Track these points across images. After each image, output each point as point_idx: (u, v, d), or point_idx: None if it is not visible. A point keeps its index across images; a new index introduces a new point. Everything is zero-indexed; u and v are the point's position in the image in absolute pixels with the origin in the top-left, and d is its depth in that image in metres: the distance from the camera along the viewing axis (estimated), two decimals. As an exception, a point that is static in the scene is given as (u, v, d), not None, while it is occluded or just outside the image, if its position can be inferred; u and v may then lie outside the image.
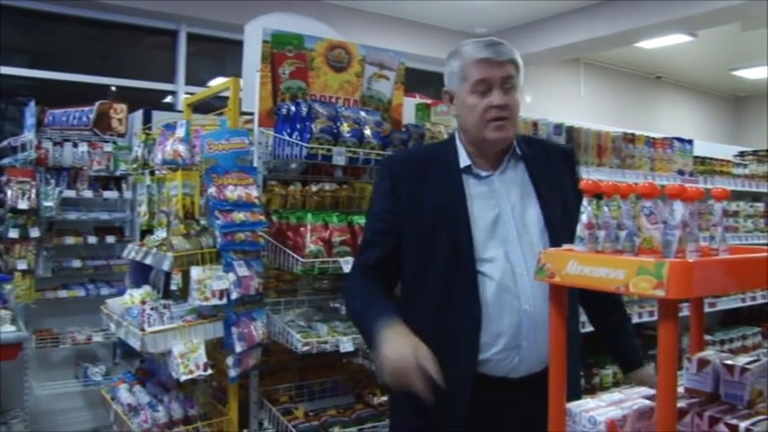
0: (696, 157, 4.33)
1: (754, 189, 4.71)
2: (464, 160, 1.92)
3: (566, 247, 1.25)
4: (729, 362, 1.33)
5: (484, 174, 1.92)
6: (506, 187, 1.91)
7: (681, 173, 4.12)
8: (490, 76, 1.84)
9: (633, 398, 1.31)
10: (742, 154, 5.12)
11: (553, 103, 9.15)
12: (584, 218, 1.19)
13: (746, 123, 12.66)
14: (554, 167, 1.98)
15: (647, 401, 1.26)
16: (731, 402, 1.31)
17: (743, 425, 1.20)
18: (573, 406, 1.22)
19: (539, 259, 1.22)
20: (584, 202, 1.20)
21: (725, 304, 4.48)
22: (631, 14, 7.22)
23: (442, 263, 1.85)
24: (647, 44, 8.59)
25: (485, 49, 1.85)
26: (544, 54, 8.21)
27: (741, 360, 1.34)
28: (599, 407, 1.23)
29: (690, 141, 4.27)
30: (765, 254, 1.22)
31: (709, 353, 1.41)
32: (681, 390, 1.39)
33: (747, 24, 7.95)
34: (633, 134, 3.88)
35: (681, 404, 1.30)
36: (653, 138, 4.02)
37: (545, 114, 3.75)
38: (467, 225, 1.84)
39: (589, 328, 3.16)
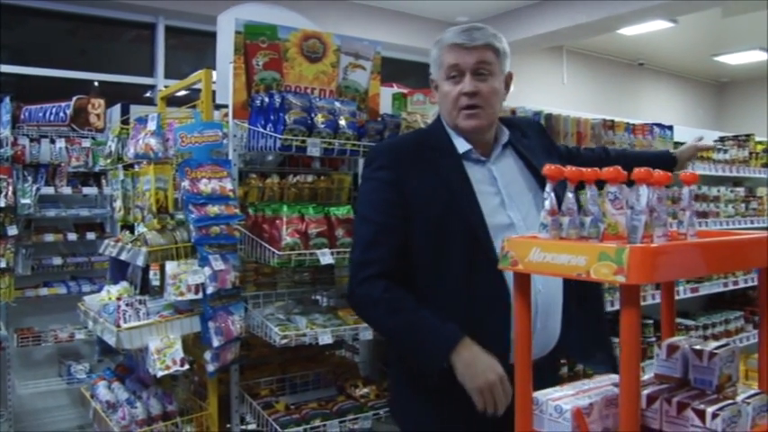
0: (677, 142, 4.33)
1: (734, 174, 4.73)
2: (463, 145, 1.91)
3: (530, 234, 1.24)
4: (698, 347, 1.32)
5: (483, 159, 1.92)
6: (503, 173, 1.92)
7: (661, 159, 4.12)
8: (462, 62, 1.83)
9: (602, 385, 1.30)
10: (722, 139, 5.13)
11: (536, 91, 9.16)
12: (546, 204, 1.18)
13: (729, 109, 12.74)
14: (538, 143, 2.02)
15: (615, 389, 1.25)
16: (700, 387, 1.30)
17: (710, 409, 1.20)
18: (540, 395, 1.21)
19: (502, 247, 1.21)
20: (547, 188, 1.19)
21: (707, 289, 4.50)
22: (612, 1, 7.23)
23: (459, 250, 1.80)
24: (629, 31, 8.61)
25: (459, 34, 1.84)
26: (526, 42, 8.21)
27: (710, 345, 1.33)
28: (566, 395, 1.22)
29: (670, 127, 4.27)
30: (729, 237, 1.21)
31: (678, 338, 1.40)
32: (651, 376, 1.39)
33: (728, 10, 7.97)
34: (613, 121, 3.87)
35: (650, 390, 1.30)
36: (633, 124, 4.02)
37: (529, 102, 3.73)
38: (478, 210, 1.82)
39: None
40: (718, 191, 4.65)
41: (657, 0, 6.93)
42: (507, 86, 1.95)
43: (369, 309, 1.87)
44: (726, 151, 4.75)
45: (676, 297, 4.20)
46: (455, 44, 1.84)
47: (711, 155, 4.59)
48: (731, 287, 4.69)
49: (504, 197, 1.87)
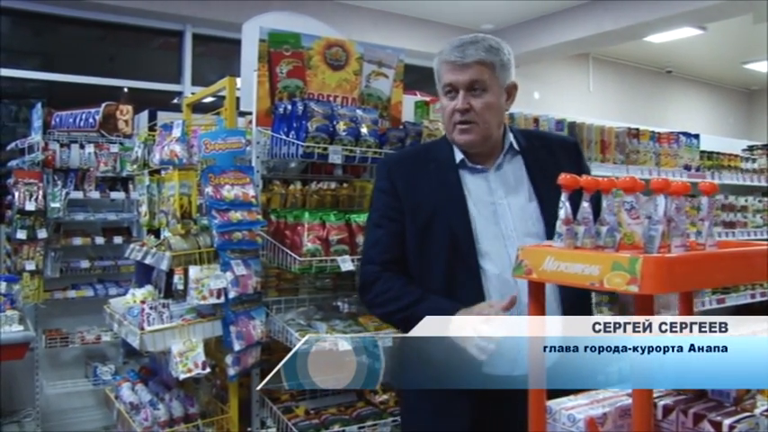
0: (703, 151, 4.29)
1: (763, 184, 4.66)
2: (459, 155, 1.92)
3: (545, 243, 1.25)
4: (716, 358, 1.31)
5: (479, 168, 1.91)
6: (502, 182, 1.91)
7: (687, 168, 4.08)
8: (454, 80, 1.83)
9: (617, 395, 1.30)
10: (751, 148, 5.06)
11: (562, 98, 9.10)
12: (561, 213, 1.18)
13: (759, 117, 12.51)
14: (556, 160, 1.92)
15: (629, 399, 1.25)
16: (718, 399, 1.29)
17: (727, 422, 1.19)
18: (553, 404, 1.21)
19: (517, 256, 1.22)
20: (562, 197, 1.19)
21: (734, 300, 4.44)
22: (639, 8, 7.16)
23: (442, 258, 1.84)
24: (656, 38, 8.52)
25: (453, 50, 1.83)
26: (552, 50, 8.15)
27: (728, 356, 1.32)
28: (579, 404, 1.22)
29: (696, 136, 4.23)
30: (745, 248, 1.20)
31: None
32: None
33: (758, 16, 7.85)
34: (638, 129, 3.85)
35: (667, 401, 1.30)
36: (658, 133, 3.98)
37: (555, 110, 3.73)
38: (466, 219, 1.84)
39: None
40: (746, 200, 4.60)
41: (685, 7, 6.84)
42: (511, 97, 1.92)
43: (377, 300, 1.93)
44: (754, 160, 4.68)
45: (702, 308, 4.19)
46: (448, 61, 1.84)
47: (739, 164, 4.53)
48: (759, 298, 4.62)
49: (498, 207, 1.87)
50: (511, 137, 1.95)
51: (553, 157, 1.94)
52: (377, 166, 2.11)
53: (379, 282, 1.91)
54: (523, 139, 1.97)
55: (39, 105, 4.57)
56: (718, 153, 4.42)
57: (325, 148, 2.50)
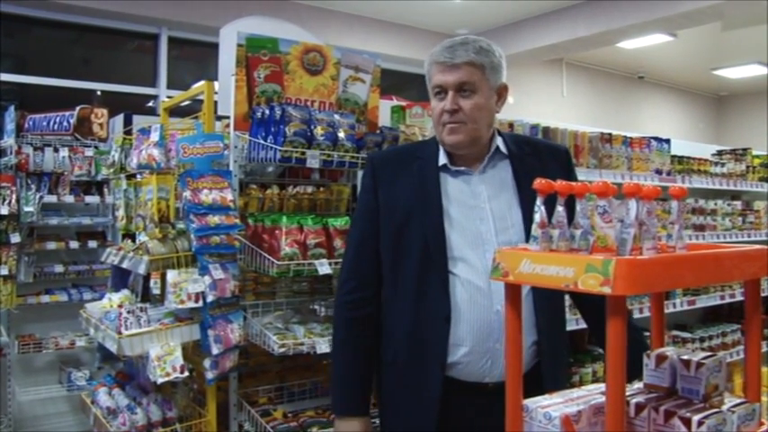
0: (674, 156, 4.37)
1: (731, 188, 4.77)
2: (442, 158, 1.93)
3: (521, 246, 1.28)
4: (686, 357, 1.35)
5: (463, 172, 1.92)
6: (486, 186, 1.91)
7: (658, 172, 4.16)
8: (443, 81, 1.85)
9: (591, 394, 1.33)
10: (720, 153, 5.18)
11: (535, 103, 9.21)
12: (537, 217, 1.21)
13: (728, 122, 12.80)
14: (544, 166, 1.91)
15: (603, 397, 1.28)
16: (687, 397, 1.33)
17: (695, 418, 1.23)
18: (529, 402, 1.24)
19: (494, 258, 1.25)
20: (537, 201, 1.22)
21: (704, 302, 4.53)
22: (611, 15, 7.29)
23: (414, 260, 1.86)
24: (629, 44, 8.67)
25: (443, 51, 1.84)
26: (526, 55, 8.26)
27: (697, 355, 1.36)
28: (555, 403, 1.25)
29: (667, 141, 4.31)
30: (714, 250, 1.25)
31: (667, 349, 1.44)
32: (641, 385, 1.42)
33: (728, 24, 8.03)
34: (610, 134, 3.91)
35: (639, 399, 1.33)
36: (630, 137, 4.06)
37: (529, 115, 3.78)
38: (440, 223, 1.85)
39: (577, 326, 3.19)
40: (716, 204, 4.69)
41: (656, 14, 6.97)
42: (501, 98, 1.92)
43: (335, 335, 2.06)
44: (723, 165, 4.79)
45: (673, 309, 4.27)
46: (438, 62, 1.85)
47: (709, 168, 4.62)
48: (728, 300, 4.72)
49: (480, 211, 1.88)
50: (499, 140, 1.95)
51: (542, 164, 1.93)
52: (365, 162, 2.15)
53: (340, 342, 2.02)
54: (513, 145, 1.97)
55: (11, 108, 4.52)
56: (688, 158, 4.51)
57: (303, 153, 2.51)
